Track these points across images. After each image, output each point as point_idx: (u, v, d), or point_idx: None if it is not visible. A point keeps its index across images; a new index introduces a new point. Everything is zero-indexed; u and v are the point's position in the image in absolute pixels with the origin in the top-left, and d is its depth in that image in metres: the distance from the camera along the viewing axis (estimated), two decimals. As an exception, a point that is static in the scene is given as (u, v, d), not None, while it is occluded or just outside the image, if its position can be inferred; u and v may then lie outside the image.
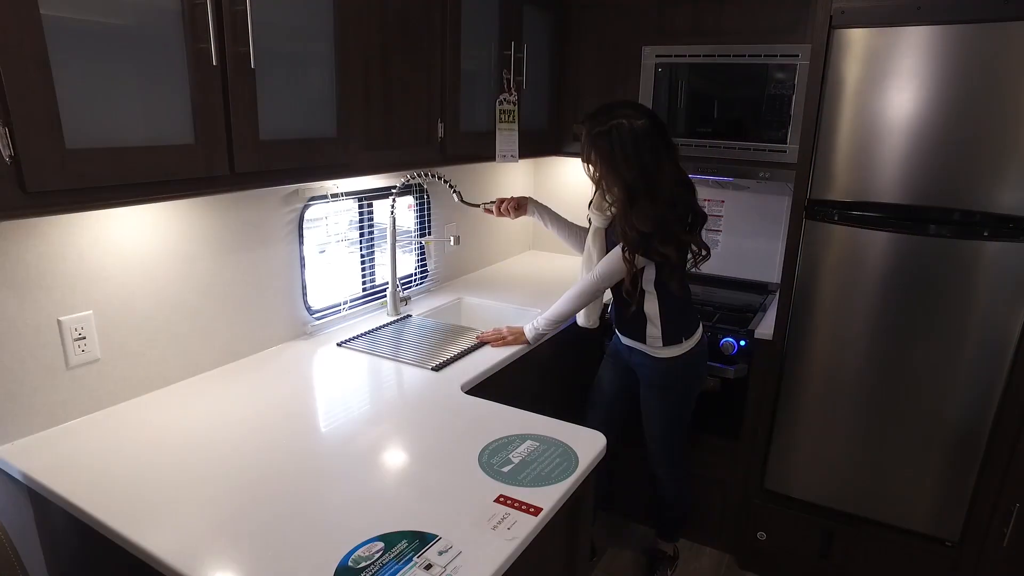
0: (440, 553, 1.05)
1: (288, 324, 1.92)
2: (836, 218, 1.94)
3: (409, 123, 1.79)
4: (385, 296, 2.23)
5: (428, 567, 1.02)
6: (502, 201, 2.10)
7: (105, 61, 1.10)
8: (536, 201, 2.14)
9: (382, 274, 2.28)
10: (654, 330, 1.88)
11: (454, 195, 2.10)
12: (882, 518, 2.07)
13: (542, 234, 3.14)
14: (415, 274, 2.43)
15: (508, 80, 2.13)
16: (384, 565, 1.01)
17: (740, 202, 2.58)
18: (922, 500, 2.01)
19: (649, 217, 1.71)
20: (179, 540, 1.07)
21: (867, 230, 1.91)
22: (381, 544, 1.06)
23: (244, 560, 1.03)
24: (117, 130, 1.13)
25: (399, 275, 2.21)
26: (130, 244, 1.49)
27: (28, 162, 1.01)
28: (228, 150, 1.30)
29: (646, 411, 2.04)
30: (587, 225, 1.99)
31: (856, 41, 1.79)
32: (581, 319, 2.05)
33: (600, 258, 1.91)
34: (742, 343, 2.13)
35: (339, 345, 1.91)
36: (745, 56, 2.14)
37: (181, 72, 1.20)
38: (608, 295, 1.97)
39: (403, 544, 1.07)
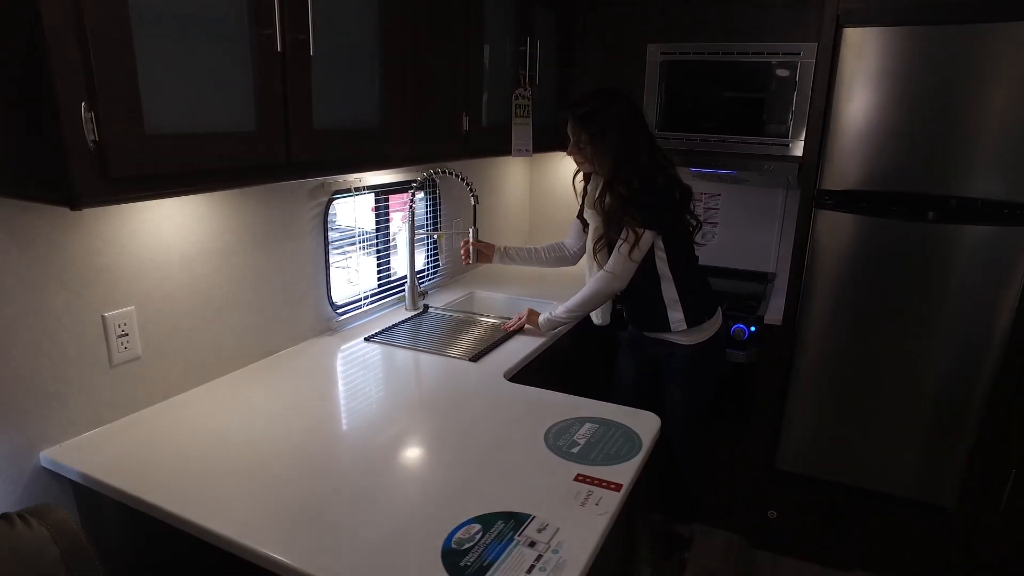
0: (539, 531, 1.07)
1: (314, 320, 1.89)
2: (842, 207, 2.04)
3: (439, 116, 1.80)
4: (400, 291, 2.22)
5: (532, 544, 1.03)
6: (467, 242, 2.15)
7: (179, 46, 1.08)
8: (503, 250, 2.20)
9: (395, 269, 2.27)
10: (676, 314, 1.93)
11: (471, 198, 2.08)
12: (885, 489, 2.19)
13: (538, 228, 3.18)
14: (427, 268, 2.43)
15: (524, 75, 2.16)
16: (488, 545, 1.03)
17: (736, 195, 2.68)
18: (922, 470, 2.13)
19: (634, 181, 1.80)
20: (275, 533, 1.05)
21: (868, 217, 2.02)
22: (478, 526, 1.07)
23: (348, 547, 1.02)
24: (190, 116, 1.11)
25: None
26: (168, 237, 1.45)
27: (111, 147, 0.99)
28: (285, 138, 1.28)
29: (671, 400, 2.08)
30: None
31: (862, 40, 1.90)
32: (596, 318, 2.09)
33: (596, 260, 1.95)
34: (752, 329, 2.21)
35: (367, 340, 1.90)
36: (748, 54, 2.23)
37: (246, 58, 1.18)
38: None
39: (500, 524, 1.08)
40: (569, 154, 1.92)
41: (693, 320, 1.93)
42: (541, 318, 1.98)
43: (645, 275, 1.91)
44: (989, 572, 2.15)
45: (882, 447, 2.15)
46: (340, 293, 2.01)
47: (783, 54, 2.18)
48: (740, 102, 2.29)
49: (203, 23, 1.11)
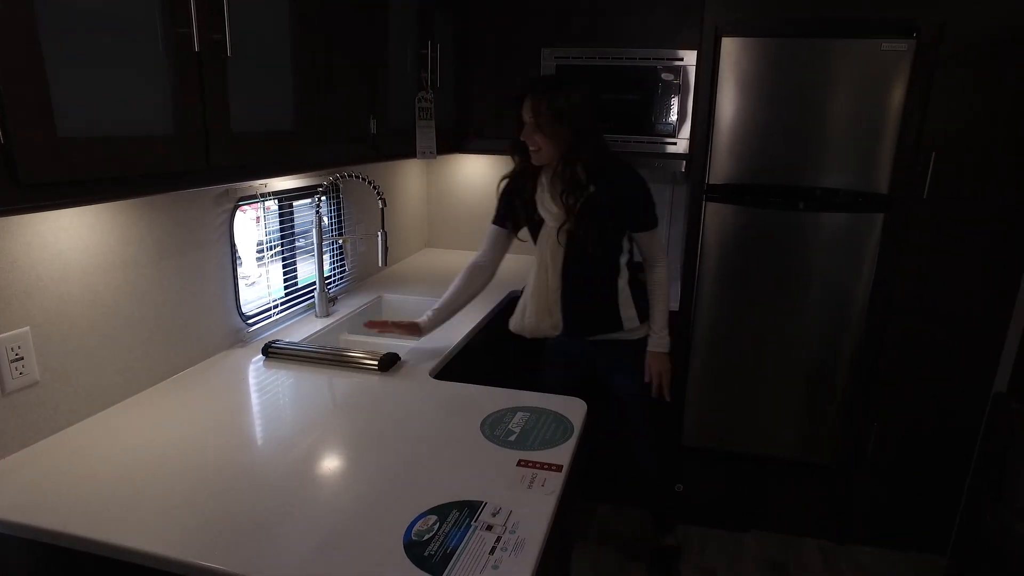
0: (493, 515, 1.11)
1: (224, 332, 1.81)
2: (725, 199, 2.24)
3: (349, 119, 1.78)
4: (309, 298, 2.17)
5: (489, 528, 1.07)
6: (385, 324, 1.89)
7: (91, 44, 1.01)
8: (427, 320, 1.90)
9: (302, 276, 2.21)
10: (630, 311, 1.92)
11: (379, 201, 2.06)
12: (776, 454, 2.43)
13: (437, 232, 3.20)
14: (334, 274, 2.38)
15: (426, 79, 2.18)
16: (448, 534, 1.05)
17: (627, 192, 2.84)
18: (804, 433, 2.38)
19: (594, 153, 1.80)
20: (221, 547, 1.01)
21: (748, 208, 2.24)
22: (435, 517, 1.10)
23: (304, 550, 1.01)
24: (105, 119, 1.05)
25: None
26: (67, 249, 1.34)
27: (20, 150, 0.91)
28: (205, 142, 1.23)
29: (626, 401, 2.06)
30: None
31: (737, 49, 2.10)
32: (552, 328, 1.93)
33: (556, 256, 1.85)
34: (651, 316, 2.37)
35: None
36: (636, 59, 2.38)
37: (163, 58, 1.13)
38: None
39: (455, 513, 1.11)
40: (524, 138, 1.80)
41: (643, 314, 1.94)
42: (663, 345, 1.96)
43: (606, 271, 1.87)
44: (864, 518, 2.44)
45: (770, 416, 2.38)
46: (249, 303, 1.93)
47: (668, 60, 2.36)
48: (630, 104, 2.44)
49: (116, 20, 1.05)
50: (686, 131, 2.40)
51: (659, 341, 1.96)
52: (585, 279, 1.91)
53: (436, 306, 1.94)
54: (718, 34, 2.11)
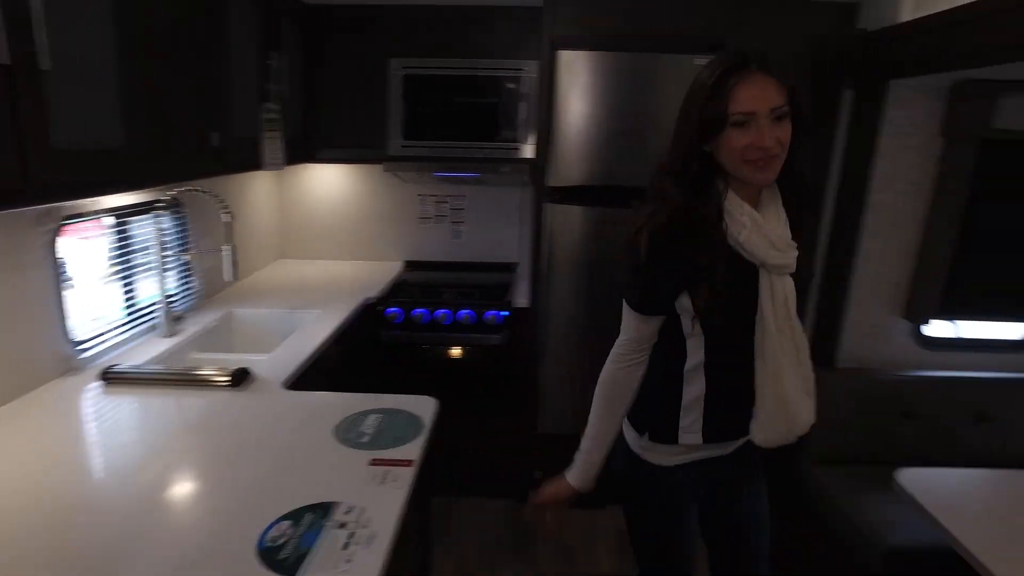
0: (346, 513, 1.16)
1: (52, 360, 1.69)
2: (568, 200, 2.42)
3: (188, 133, 1.74)
4: (152, 318, 2.08)
5: (343, 525, 1.13)
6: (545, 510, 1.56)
7: None
8: (574, 473, 1.52)
9: (144, 295, 2.12)
10: None
11: (226, 215, 2.03)
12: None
13: (290, 242, 3.15)
14: (180, 291, 2.29)
15: (271, 90, 2.16)
16: (302, 536, 1.09)
17: (479, 195, 2.97)
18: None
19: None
20: None
21: (590, 207, 2.44)
22: (288, 522, 1.13)
23: (162, 573, 1.01)
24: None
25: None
26: None
27: None
28: (20, 158, 1.18)
29: (756, 519, 1.49)
30: None
31: (573, 60, 2.29)
32: (797, 426, 1.28)
33: (792, 310, 1.24)
34: (504, 314, 2.50)
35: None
36: (480, 69, 2.51)
37: (-35, 73, 1.07)
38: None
39: (309, 516, 1.15)
40: (762, 144, 1.14)
41: None
42: None
43: None
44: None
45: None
46: (82, 327, 1.82)
47: (511, 70, 2.51)
48: (476, 112, 2.56)
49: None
50: (530, 137, 2.56)
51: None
52: None
53: (583, 448, 1.49)
54: (555, 47, 2.29)
